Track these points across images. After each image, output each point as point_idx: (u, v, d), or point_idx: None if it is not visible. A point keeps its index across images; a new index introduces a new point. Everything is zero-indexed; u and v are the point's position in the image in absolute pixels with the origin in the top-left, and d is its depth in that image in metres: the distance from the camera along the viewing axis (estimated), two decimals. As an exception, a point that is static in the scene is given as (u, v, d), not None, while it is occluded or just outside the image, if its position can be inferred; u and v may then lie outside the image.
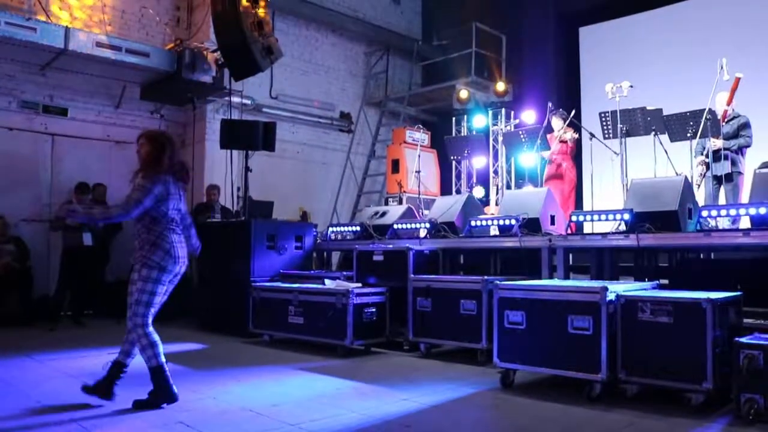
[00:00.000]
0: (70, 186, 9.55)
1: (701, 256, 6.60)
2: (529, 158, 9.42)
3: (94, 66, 9.80)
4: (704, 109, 7.12)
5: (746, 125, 7.59)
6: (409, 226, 7.71)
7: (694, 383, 4.10)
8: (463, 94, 12.37)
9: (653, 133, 7.78)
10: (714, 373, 4.05)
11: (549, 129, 9.20)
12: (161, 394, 4.28)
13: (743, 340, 4.01)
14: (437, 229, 7.39)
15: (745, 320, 4.81)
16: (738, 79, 7.37)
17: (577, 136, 9.21)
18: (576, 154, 9.44)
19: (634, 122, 7.92)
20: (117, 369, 4.38)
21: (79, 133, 10.44)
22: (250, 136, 8.94)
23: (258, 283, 7.50)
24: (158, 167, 4.47)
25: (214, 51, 10.03)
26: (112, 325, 8.67)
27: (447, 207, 7.67)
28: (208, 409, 4.28)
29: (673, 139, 7.58)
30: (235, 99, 10.80)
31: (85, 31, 9.45)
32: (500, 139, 11.88)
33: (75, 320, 8.80)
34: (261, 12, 8.37)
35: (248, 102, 11.67)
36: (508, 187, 11.71)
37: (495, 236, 6.94)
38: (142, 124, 11.13)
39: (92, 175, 9.86)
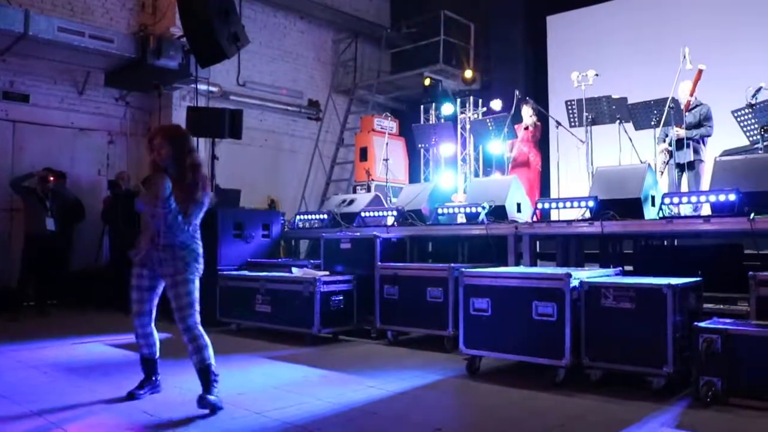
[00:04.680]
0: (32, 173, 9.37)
1: (665, 242, 6.71)
2: (496, 146, 9.47)
3: (57, 51, 9.59)
4: (668, 98, 7.22)
5: (708, 115, 7.73)
6: (376, 213, 7.71)
7: (656, 367, 4.18)
8: (426, 81, 12.35)
9: (618, 121, 7.87)
10: (674, 358, 4.13)
11: (516, 118, 9.23)
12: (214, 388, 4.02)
13: (702, 324, 4.09)
14: (405, 217, 7.41)
15: (705, 305, 4.91)
16: (700, 71, 7.49)
17: (536, 121, 9.22)
18: (542, 142, 9.50)
19: (600, 110, 8.01)
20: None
21: (41, 119, 10.23)
22: (216, 123, 8.87)
23: (225, 272, 7.45)
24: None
25: (179, 37, 9.89)
26: (77, 315, 8.57)
27: (414, 195, 7.69)
28: (173, 398, 4.25)
29: (637, 128, 7.68)
30: (202, 86, 10.68)
31: (46, 15, 9.24)
32: (468, 127, 11.92)
33: (39, 310, 8.65)
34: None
35: (215, 89, 11.53)
36: (476, 174, 11.76)
37: (462, 224, 6.98)
38: (107, 111, 10.97)
39: (55, 163, 9.68)
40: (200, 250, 4.12)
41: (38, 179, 8.81)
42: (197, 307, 4.05)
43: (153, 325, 4.26)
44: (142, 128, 11.41)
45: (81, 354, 5.88)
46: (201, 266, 4.13)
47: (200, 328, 4.03)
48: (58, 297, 9.30)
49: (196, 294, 4.06)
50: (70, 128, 10.58)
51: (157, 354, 4.34)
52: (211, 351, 4.03)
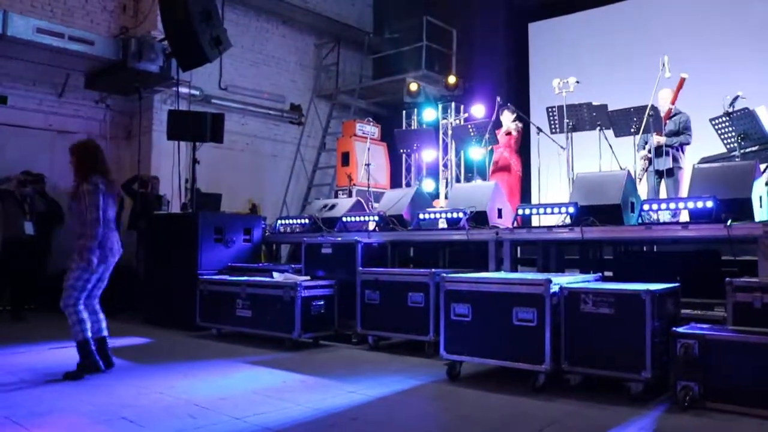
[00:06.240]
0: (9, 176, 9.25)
1: (644, 248, 6.77)
2: (478, 152, 9.52)
3: (36, 53, 9.50)
4: (647, 106, 7.29)
5: (687, 124, 7.84)
6: (358, 218, 7.70)
7: (634, 372, 4.21)
8: (413, 86, 12.39)
9: (598, 128, 7.93)
10: (653, 363, 4.16)
11: (498, 124, 9.27)
12: (88, 365, 4.94)
13: (680, 329, 4.14)
14: (386, 222, 7.40)
15: (683, 311, 4.96)
16: (683, 80, 7.59)
17: (520, 126, 9.31)
18: (523, 148, 9.56)
19: (581, 117, 8.06)
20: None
21: (19, 121, 10.12)
22: (198, 127, 8.79)
23: (205, 277, 7.40)
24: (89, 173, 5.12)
25: (161, 40, 9.83)
26: (54, 319, 8.45)
27: (396, 200, 7.69)
28: (153, 404, 4.22)
29: (617, 135, 7.74)
30: (183, 89, 10.61)
31: (24, 16, 9.15)
32: (450, 132, 11.95)
33: (15, 315, 8.54)
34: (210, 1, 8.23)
35: (196, 92, 11.47)
36: (458, 180, 11.79)
37: (443, 229, 6.99)
38: (87, 113, 10.89)
39: (33, 166, 9.56)
40: (92, 244, 4.95)
41: (16, 182, 8.71)
42: (77, 291, 4.98)
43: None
44: (123, 131, 11.34)
45: (58, 359, 5.79)
46: (91, 257, 4.93)
47: (80, 307, 4.99)
48: (34, 301, 9.18)
49: (80, 281, 4.97)
50: (49, 131, 10.48)
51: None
52: (88, 326, 4.99)
